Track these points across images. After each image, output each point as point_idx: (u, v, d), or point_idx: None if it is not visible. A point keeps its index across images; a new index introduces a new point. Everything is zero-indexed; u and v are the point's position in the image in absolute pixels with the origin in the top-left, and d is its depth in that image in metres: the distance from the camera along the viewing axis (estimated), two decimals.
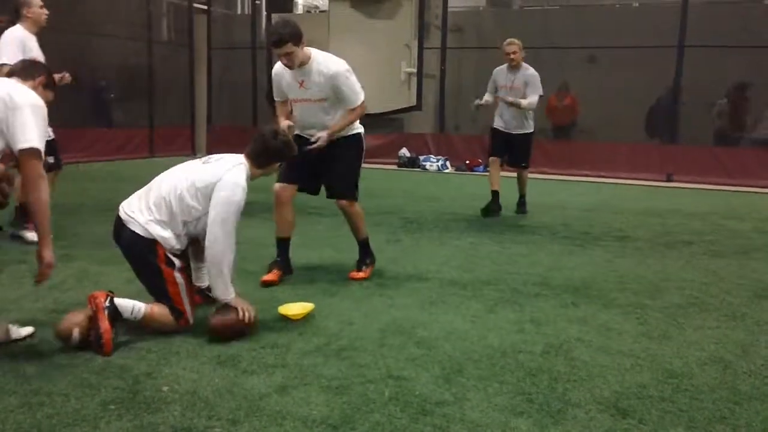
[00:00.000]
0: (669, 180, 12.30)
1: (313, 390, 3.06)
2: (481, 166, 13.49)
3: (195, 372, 3.24)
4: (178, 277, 3.79)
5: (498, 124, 8.29)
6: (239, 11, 18.71)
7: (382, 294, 4.64)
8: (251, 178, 3.95)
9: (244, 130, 14.02)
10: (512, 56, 7.89)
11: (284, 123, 4.82)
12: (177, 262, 3.80)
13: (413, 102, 14.41)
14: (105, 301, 3.52)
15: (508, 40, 8.06)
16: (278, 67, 4.99)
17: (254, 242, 6.03)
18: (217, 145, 14.23)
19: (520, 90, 7.91)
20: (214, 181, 3.77)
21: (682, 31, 12.44)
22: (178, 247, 3.81)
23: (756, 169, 11.92)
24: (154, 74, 15.20)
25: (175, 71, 15.88)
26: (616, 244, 6.55)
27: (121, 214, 3.82)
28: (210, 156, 4.07)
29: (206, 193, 3.75)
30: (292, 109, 5.09)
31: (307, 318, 4.03)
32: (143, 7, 14.95)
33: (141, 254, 3.76)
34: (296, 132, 5.02)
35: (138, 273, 3.88)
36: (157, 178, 3.94)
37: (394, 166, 14.01)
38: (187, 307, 3.81)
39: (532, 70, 7.95)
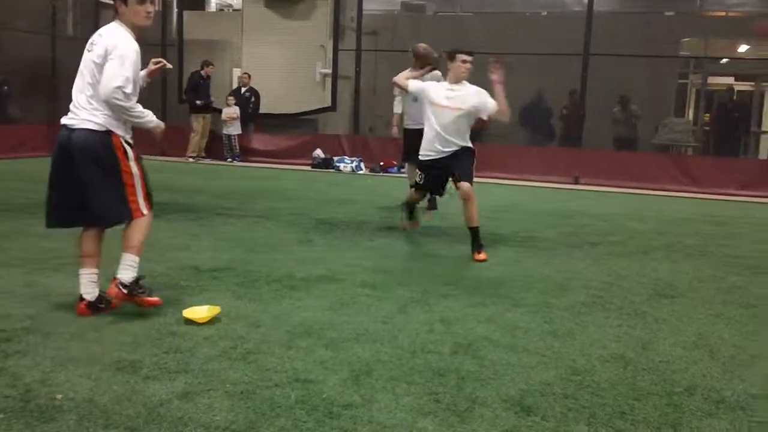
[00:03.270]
0: (576, 182, 12.66)
1: (217, 395, 2.98)
2: (395, 167, 13.57)
3: (92, 379, 3.12)
4: (134, 166, 3.90)
5: (408, 123, 8.52)
6: None
7: (291, 296, 4.57)
8: (133, 27, 3.98)
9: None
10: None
11: None
12: (131, 151, 3.92)
13: (328, 103, 14.37)
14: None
15: (421, 44, 8.45)
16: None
17: (160, 244, 5.85)
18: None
19: None
20: (107, 47, 3.86)
21: (587, 39, 12.83)
22: (130, 135, 3.96)
23: (656, 172, 12.43)
24: (57, 69, 14.63)
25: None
26: (525, 245, 6.69)
27: (67, 122, 3.90)
28: (92, 42, 4.02)
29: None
30: None
31: (213, 321, 3.93)
32: (48, 1, 14.43)
33: (97, 148, 3.83)
34: None
35: (93, 176, 3.84)
36: (74, 89, 3.99)
37: (308, 167, 13.92)
38: (140, 200, 3.94)
39: (438, 71, 8.34)
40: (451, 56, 6.14)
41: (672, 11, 16.08)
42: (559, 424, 2.84)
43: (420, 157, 6.36)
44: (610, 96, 13.70)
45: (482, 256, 5.88)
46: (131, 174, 3.92)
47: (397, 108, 8.71)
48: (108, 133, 3.86)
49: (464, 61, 6.11)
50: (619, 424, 2.86)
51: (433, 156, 6.22)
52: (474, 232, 6.02)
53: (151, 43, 15.53)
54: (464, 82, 6.20)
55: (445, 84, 6.31)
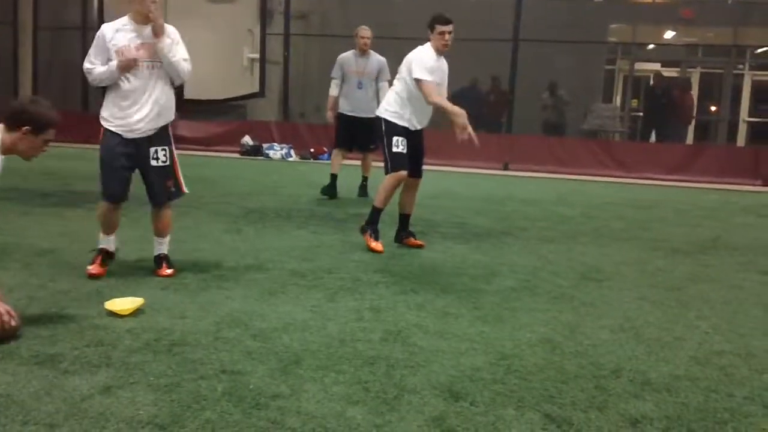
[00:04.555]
0: (506, 168, 12.81)
1: (140, 389, 2.89)
2: (326, 155, 13.46)
3: (9, 374, 2.99)
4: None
5: (345, 108, 8.49)
6: None
7: (219, 286, 4.47)
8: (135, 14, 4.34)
9: (73, 115, 13.27)
10: (368, 41, 8.39)
11: None
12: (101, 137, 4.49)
13: (256, 89, 14.17)
14: None
15: (363, 26, 8.52)
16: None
17: (81, 235, 5.66)
18: None
19: (373, 75, 8.42)
20: None
21: (516, 25, 12.96)
22: (115, 120, 4.49)
23: (583, 157, 12.67)
24: None
25: None
26: (456, 231, 6.72)
27: None
28: None
29: None
30: None
31: (136, 313, 3.81)
32: None
33: None
34: None
35: None
36: None
37: (237, 155, 13.69)
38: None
39: (381, 57, 8.49)
40: (431, 27, 5.65)
41: None
42: (488, 409, 2.84)
43: (398, 122, 5.69)
44: (539, 82, 13.90)
45: (419, 241, 5.91)
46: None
47: (334, 91, 8.54)
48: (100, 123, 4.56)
49: (443, 33, 5.61)
50: (547, 408, 2.88)
51: (410, 128, 5.75)
52: (408, 218, 6.01)
53: (71, 26, 15.08)
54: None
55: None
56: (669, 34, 16.52)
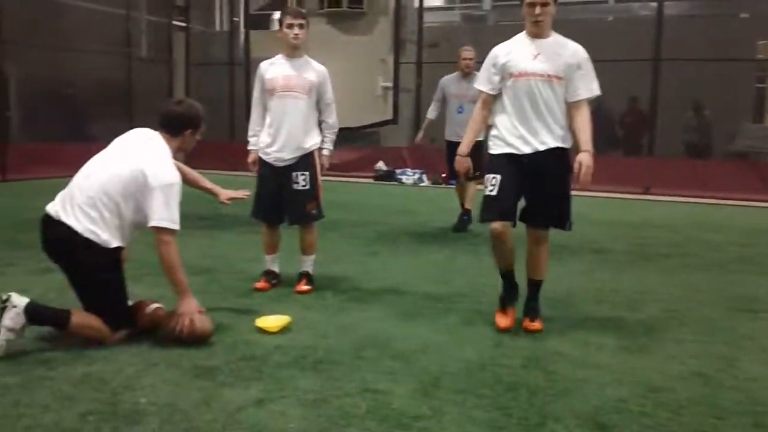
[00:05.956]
0: (647, 192, 12.33)
1: (289, 403, 3.01)
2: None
3: (173, 384, 3.19)
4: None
5: (449, 135, 8.02)
6: (218, 28, 18.81)
7: (357, 307, 4.59)
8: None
9: (221, 145, 14.07)
10: (471, 62, 7.90)
11: None
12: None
13: (389, 116, 14.43)
14: None
15: (466, 47, 8.14)
16: None
17: (231, 256, 5.96)
18: (194, 159, 14.17)
19: (475, 98, 7.74)
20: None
21: (657, 44, 12.56)
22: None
23: (731, 181, 11.98)
24: (133, 89, 15.29)
25: (154, 86, 15.94)
26: (594, 257, 6.55)
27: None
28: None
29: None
30: None
31: (283, 331, 3.97)
32: (122, 25, 15.24)
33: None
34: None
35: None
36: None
37: (371, 180, 13.99)
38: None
39: None
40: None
41: (747, 13, 15.61)
42: None
43: (497, 150, 4.23)
44: (680, 102, 13.37)
45: (537, 324, 4.17)
46: None
47: (431, 114, 8.26)
48: None
49: (531, 5, 4.04)
50: None
51: (516, 152, 4.17)
52: (535, 287, 4.33)
53: (219, 62, 16.13)
54: (553, 33, 4.23)
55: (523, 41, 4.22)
56: None
